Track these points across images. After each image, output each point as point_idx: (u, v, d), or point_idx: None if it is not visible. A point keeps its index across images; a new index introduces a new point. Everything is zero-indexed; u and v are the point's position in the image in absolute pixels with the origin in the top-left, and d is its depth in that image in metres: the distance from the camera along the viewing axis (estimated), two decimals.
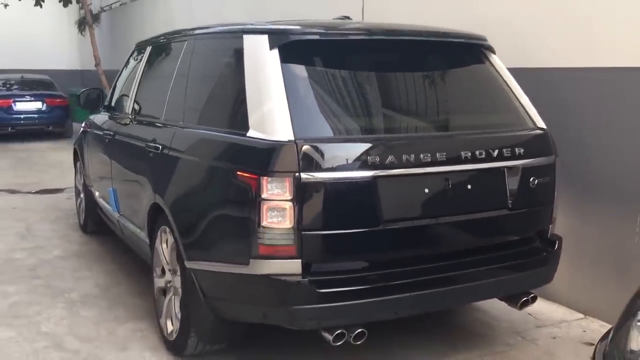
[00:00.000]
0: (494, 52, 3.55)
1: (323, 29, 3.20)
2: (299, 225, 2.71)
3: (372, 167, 2.81)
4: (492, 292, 3.32)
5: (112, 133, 4.82)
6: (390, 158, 2.84)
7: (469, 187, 3.07)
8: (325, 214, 2.76)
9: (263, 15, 6.39)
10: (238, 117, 3.08)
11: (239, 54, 3.14)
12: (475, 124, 3.38)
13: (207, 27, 3.88)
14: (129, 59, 5.20)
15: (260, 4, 7.93)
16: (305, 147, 2.73)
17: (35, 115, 13.80)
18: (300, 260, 2.75)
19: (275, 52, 2.95)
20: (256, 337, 3.56)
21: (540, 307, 4.03)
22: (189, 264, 3.20)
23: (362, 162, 2.81)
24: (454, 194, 3.03)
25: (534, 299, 3.34)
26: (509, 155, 3.15)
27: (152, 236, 3.78)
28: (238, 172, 2.87)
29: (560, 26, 4.04)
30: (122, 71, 5.28)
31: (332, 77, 3.11)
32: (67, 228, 6.30)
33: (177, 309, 3.43)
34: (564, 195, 3.64)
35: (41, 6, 14.20)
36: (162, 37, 4.58)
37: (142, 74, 4.59)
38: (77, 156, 6.19)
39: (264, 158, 2.75)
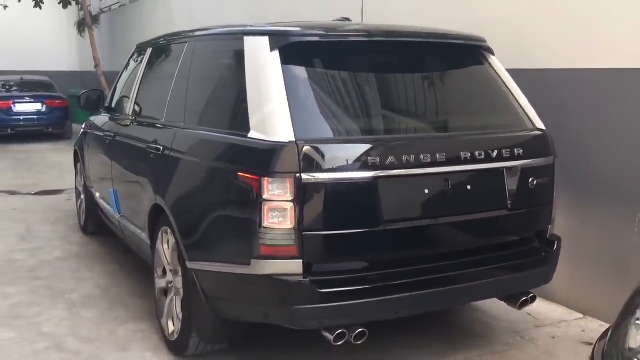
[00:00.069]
0: (493, 54, 3.57)
1: (323, 31, 3.21)
2: (300, 225, 2.73)
3: (373, 167, 2.83)
4: (492, 292, 3.33)
5: (112, 134, 4.82)
6: (390, 159, 2.85)
7: (469, 187, 3.08)
8: (326, 214, 2.78)
9: (263, 16, 6.39)
10: (239, 118, 3.09)
11: (239, 56, 3.15)
12: (474, 125, 3.39)
13: (208, 29, 3.89)
14: (129, 60, 5.20)
15: (260, 4, 7.94)
16: (306, 148, 2.74)
17: (35, 117, 13.77)
18: (301, 260, 2.76)
19: (276, 53, 2.96)
20: (257, 337, 3.57)
21: (540, 307, 4.04)
22: (190, 265, 3.21)
23: (362, 163, 2.82)
24: (453, 195, 3.04)
25: (533, 299, 3.36)
26: (508, 156, 3.16)
27: (153, 237, 3.79)
28: (239, 173, 2.89)
29: (559, 27, 4.05)
30: (122, 73, 5.29)
31: (332, 78, 3.13)
32: (67, 229, 6.30)
33: (179, 310, 3.44)
34: (563, 196, 3.65)
35: (41, 8, 14.20)
36: (163, 39, 4.59)
37: (142, 75, 4.60)
38: (78, 157, 6.18)
39: (265, 159, 2.76)
